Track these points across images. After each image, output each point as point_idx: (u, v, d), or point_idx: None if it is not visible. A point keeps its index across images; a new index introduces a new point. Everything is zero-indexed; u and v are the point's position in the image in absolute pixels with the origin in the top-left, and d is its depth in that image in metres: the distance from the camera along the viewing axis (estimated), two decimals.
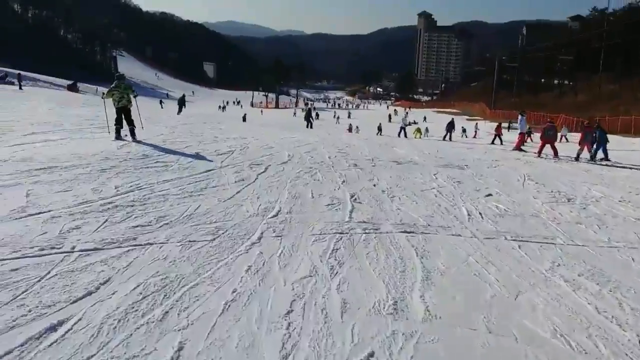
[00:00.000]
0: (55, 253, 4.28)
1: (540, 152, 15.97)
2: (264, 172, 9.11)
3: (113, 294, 3.69)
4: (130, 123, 11.68)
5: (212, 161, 9.94)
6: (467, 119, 79.39)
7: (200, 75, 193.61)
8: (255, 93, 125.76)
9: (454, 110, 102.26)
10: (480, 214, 7.03)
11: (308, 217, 6.03)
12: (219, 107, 75.04)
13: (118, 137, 11.47)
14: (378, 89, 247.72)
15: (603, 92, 70.36)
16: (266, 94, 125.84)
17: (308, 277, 4.19)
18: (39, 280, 3.77)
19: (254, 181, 8.23)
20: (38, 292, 3.59)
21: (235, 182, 7.98)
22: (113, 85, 11.73)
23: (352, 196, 7.42)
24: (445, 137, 28.61)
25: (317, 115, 62.80)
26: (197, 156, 10.41)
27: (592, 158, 15.47)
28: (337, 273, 4.30)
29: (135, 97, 12.07)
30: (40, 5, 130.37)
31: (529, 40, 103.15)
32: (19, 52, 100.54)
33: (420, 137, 33.14)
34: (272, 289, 3.94)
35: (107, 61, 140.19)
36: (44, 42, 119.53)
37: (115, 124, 11.65)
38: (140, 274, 4.02)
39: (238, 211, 6.14)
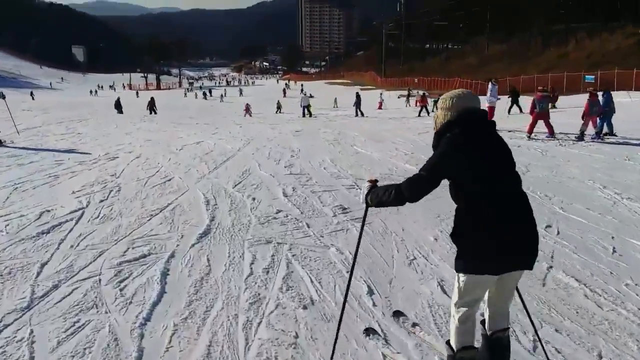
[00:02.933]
0: None
1: (531, 130, 11.93)
2: None
3: None
4: None
5: None
6: (361, 89, 79.34)
7: (69, 60, 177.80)
8: (134, 75, 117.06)
9: (345, 81, 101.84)
10: None
11: None
12: (90, 92, 70.47)
13: None
14: (264, 63, 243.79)
15: (491, 54, 72.55)
16: (145, 75, 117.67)
17: None
18: None
19: None
20: None
21: None
22: None
23: None
24: (357, 113, 26.68)
25: (210, 92, 61.19)
26: None
27: (599, 135, 11.49)
28: None
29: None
30: None
31: (411, 6, 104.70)
32: None
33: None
34: None
35: None
36: None
37: None
38: None
39: None
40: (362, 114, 25.25)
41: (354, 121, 20.85)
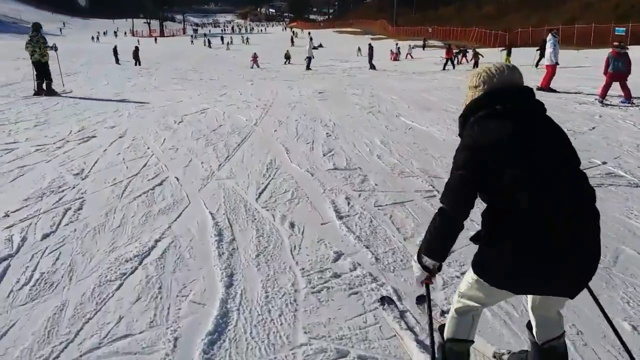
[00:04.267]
0: None
1: (604, 94, 9.77)
2: None
3: None
4: (47, 77, 11.43)
5: None
6: (372, 38, 75.93)
7: (70, 4, 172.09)
8: (137, 21, 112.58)
9: (355, 30, 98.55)
10: None
11: None
12: (92, 38, 68.39)
13: (38, 91, 11.33)
14: (270, 10, 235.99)
15: (510, 2, 68.82)
16: (148, 21, 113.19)
17: None
18: None
19: None
20: None
21: None
22: (28, 37, 11.53)
23: None
24: (371, 66, 24.69)
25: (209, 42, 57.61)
26: None
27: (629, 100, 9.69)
28: None
29: (52, 49, 11.58)
30: None
31: None
32: None
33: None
34: None
35: None
36: None
37: (36, 79, 11.45)
38: None
39: None
40: (374, 67, 23.54)
41: (376, 77, 18.40)
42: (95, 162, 5.40)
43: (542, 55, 21.82)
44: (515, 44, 22.53)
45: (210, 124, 7.53)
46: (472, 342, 2.05)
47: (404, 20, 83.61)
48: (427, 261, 1.84)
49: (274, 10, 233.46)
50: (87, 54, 35.11)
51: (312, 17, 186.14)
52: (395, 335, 2.42)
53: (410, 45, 33.54)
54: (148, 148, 5.97)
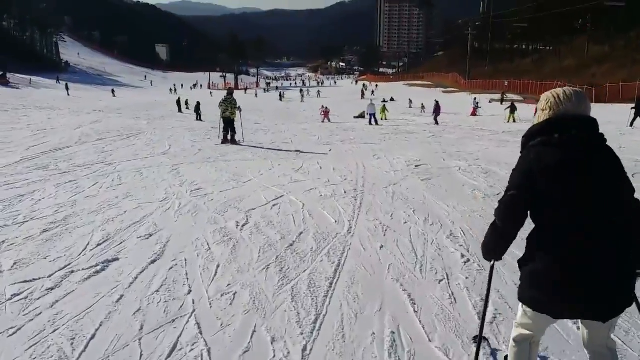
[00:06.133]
0: None
1: None
2: None
3: None
4: (232, 131, 13.94)
5: None
6: (443, 92, 73.75)
7: (152, 58, 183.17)
8: (213, 74, 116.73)
9: (426, 82, 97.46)
10: None
11: None
12: (170, 90, 72.69)
13: (224, 141, 13.88)
14: (341, 63, 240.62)
15: (591, 55, 65.06)
16: (224, 74, 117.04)
17: None
18: None
19: None
20: None
21: None
22: (222, 98, 14.19)
23: None
24: (436, 121, 25.16)
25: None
26: None
27: None
28: None
29: (239, 111, 14.18)
30: None
31: (496, 6, 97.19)
32: None
33: (385, 118, 29.87)
34: None
35: (49, 47, 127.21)
36: None
37: (222, 131, 14.03)
38: None
39: None
40: (437, 123, 24.01)
41: (464, 137, 16.13)
42: (91, 340, 3.01)
43: (637, 114, 19.74)
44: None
45: (285, 230, 5.26)
46: None
47: (476, 73, 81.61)
48: (486, 256, 2.22)
49: (344, 64, 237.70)
50: (162, 107, 35.10)
51: (382, 70, 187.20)
52: None
53: (474, 98, 31.57)
54: (189, 292, 3.63)
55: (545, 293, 1.93)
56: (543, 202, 1.92)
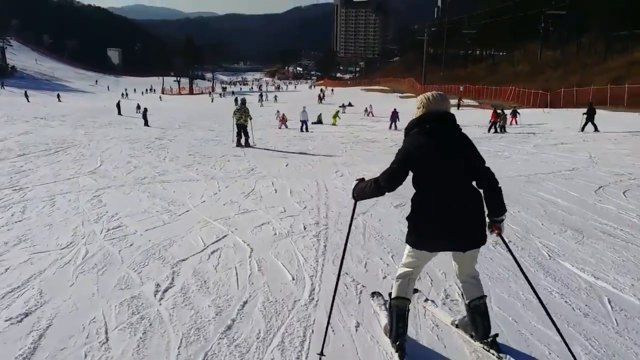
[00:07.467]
0: None
1: None
2: None
3: None
4: (246, 135, 16.05)
5: None
6: (400, 97, 73.60)
7: (104, 62, 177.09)
8: (167, 79, 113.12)
9: (383, 87, 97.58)
10: None
11: None
12: (122, 95, 70.38)
13: (238, 144, 15.85)
14: (298, 68, 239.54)
15: (544, 60, 66.16)
16: (178, 78, 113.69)
17: None
18: None
19: None
20: None
21: None
22: (237, 107, 16.69)
23: None
24: (390, 126, 26.47)
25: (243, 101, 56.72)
26: None
27: None
28: None
29: (250, 119, 16.34)
30: None
31: (451, 12, 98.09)
32: None
33: (334, 123, 30.49)
34: None
35: None
36: None
37: (236, 135, 16.02)
38: None
39: None
40: (397, 128, 24.90)
41: None
42: None
43: (588, 120, 20.03)
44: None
45: (224, 297, 3.74)
46: (409, 300, 2.99)
47: (432, 78, 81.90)
48: (357, 195, 3.02)
49: (301, 69, 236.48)
50: (106, 114, 32.95)
51: (339, 75, 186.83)
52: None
53: (515, 110, 30.12)
54: None
55: (424, 236, 2.79)
56: (419, 174, 2.75)
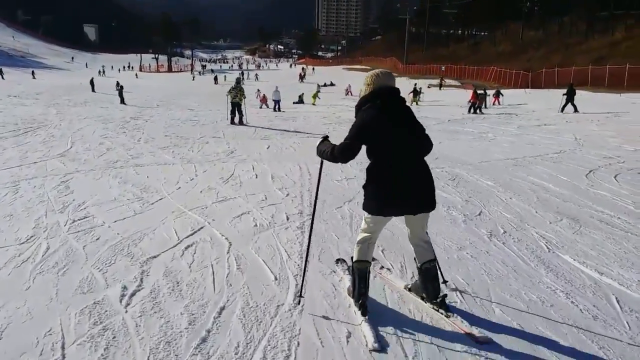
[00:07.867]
0: None
1: None
2: None
3: None
4: (240, 113, 16.57)
5: None
6: None
7: (80, 38, 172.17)
8: (145, 56, 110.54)
9: (365, 67, 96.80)
10: None
11: None
12: (99, 72, 68.88)
13: (232, 122, 16.41)
14: (279, 46, 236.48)
15: (526, 40, 66.14)
16: (156, 56, 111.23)
17: None
18: None
19: None
20: None
21: None
22: (232, 86, 17.48)
23: None
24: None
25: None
26: None
27: None
28: None
29: (244, 97, 17.23)
30: None
31: None
32: None
33: (314, 103, 30.07)
34: None
35: None
36: None
37: (230, 114, 16.61)
38: None
39: None
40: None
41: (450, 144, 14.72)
42: None
43: (568, 100, 20.12)
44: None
45: (198, 303, 3.35)
46: (370, 262, 3.27)
47: (414, 58, 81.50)
48: (318, 152, 3.26)
49: (282, 47, 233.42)
50: (82, 91, 31.94)
51: (320, 53, 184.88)
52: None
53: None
54: None
55: (379, 202, 3.03)
56: (373, 145, 3.00)
